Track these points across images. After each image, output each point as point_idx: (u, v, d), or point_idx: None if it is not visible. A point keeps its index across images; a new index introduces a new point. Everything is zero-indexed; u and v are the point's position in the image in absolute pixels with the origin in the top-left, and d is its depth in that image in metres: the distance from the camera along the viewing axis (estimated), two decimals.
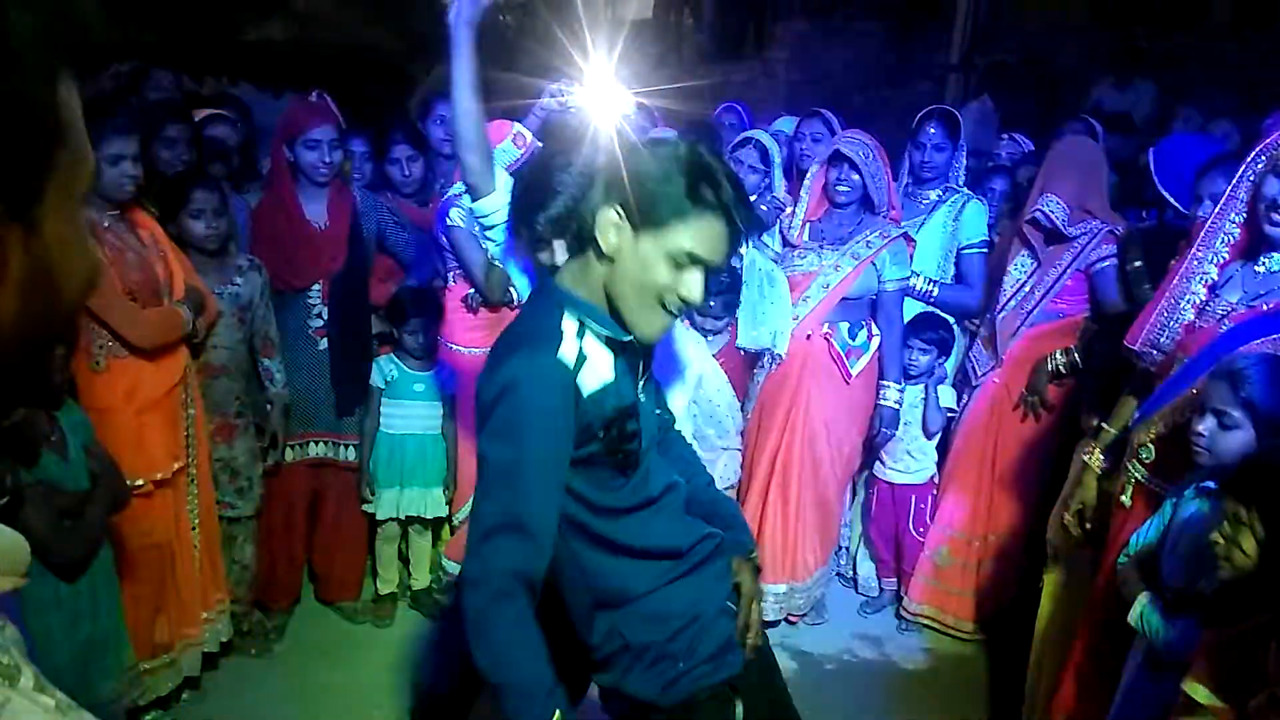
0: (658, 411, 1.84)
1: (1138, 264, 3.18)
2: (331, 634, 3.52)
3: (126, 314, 2.62)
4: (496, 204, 2.41)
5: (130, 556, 2.67)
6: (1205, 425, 2.05)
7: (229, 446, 3.10)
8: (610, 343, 1.63)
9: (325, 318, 3.31)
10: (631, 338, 1.63)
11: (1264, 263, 2.24)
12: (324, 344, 3.32)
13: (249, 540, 3.24)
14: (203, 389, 2.97)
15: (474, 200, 2.53)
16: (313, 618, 3.59)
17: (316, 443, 3.39)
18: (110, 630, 2.45)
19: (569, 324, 1.60)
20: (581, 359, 1.58)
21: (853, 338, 3.42)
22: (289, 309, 3.27)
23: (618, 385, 1.63)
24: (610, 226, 1.58)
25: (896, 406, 3.50)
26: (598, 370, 1.60)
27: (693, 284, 1.59)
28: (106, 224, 2.65)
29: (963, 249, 3.61)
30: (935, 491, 3.69)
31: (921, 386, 3.58)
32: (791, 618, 3.62)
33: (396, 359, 3.49)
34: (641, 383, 1.73)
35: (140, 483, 2.67)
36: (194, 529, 2.93)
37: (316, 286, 3.29)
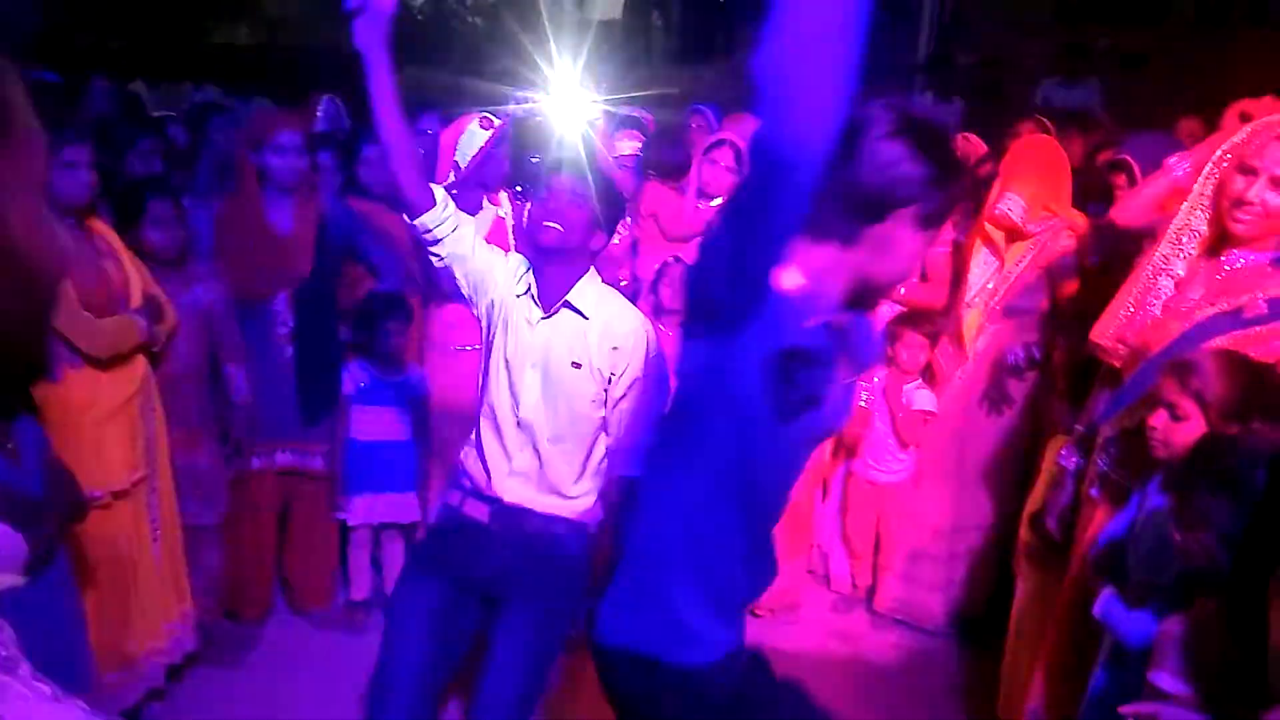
0: None
1: (1096, 260, 3.22)
2: (303, 643, 3.49)
3: (81, 324, 2.59)
4: (438, 218, 2.31)
5: (91, 568, 2.64)
6: (1157, 418, 2.08)
7: (192, 455, 3.07)
8: None
9: (290, 325, 3.28)
10: None
11: (1229, 261, 2.26)
12: (289, 352, 3.29)
13: (215, 549, 3.21)
14: (164, 398, 2.94)
15: (412, 218, 2.31)
16: (284, 627, 3.56)
17: (284, 451, 3.36)
18: (70, 643, 2.41)
19: None
20: None
21: None
22: (254, 317, 3.23)
23: None
24: None
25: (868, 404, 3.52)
26: None
27: None
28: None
29: None
30: (911, 490, 3.71)
31: (905, 387, 3.59)
32: (759, 610, 3.63)
33: (367, 365, 3.47)
34: None
35: (99, 494, 2.63)
36: (155, 540, 2.89)
37: (282, 294, 3.26)
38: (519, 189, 3.86)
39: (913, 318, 3.58)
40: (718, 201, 3.79)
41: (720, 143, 3.92)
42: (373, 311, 3.42)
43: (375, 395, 3.48)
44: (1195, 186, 2.36)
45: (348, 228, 3.42)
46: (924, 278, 3.66)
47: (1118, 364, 2.45)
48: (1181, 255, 2.37)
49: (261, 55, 13.71)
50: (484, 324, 2.42)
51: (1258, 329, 2.12)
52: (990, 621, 3.25)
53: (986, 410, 3.49)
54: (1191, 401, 2.03)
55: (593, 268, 2.36)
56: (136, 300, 2.76)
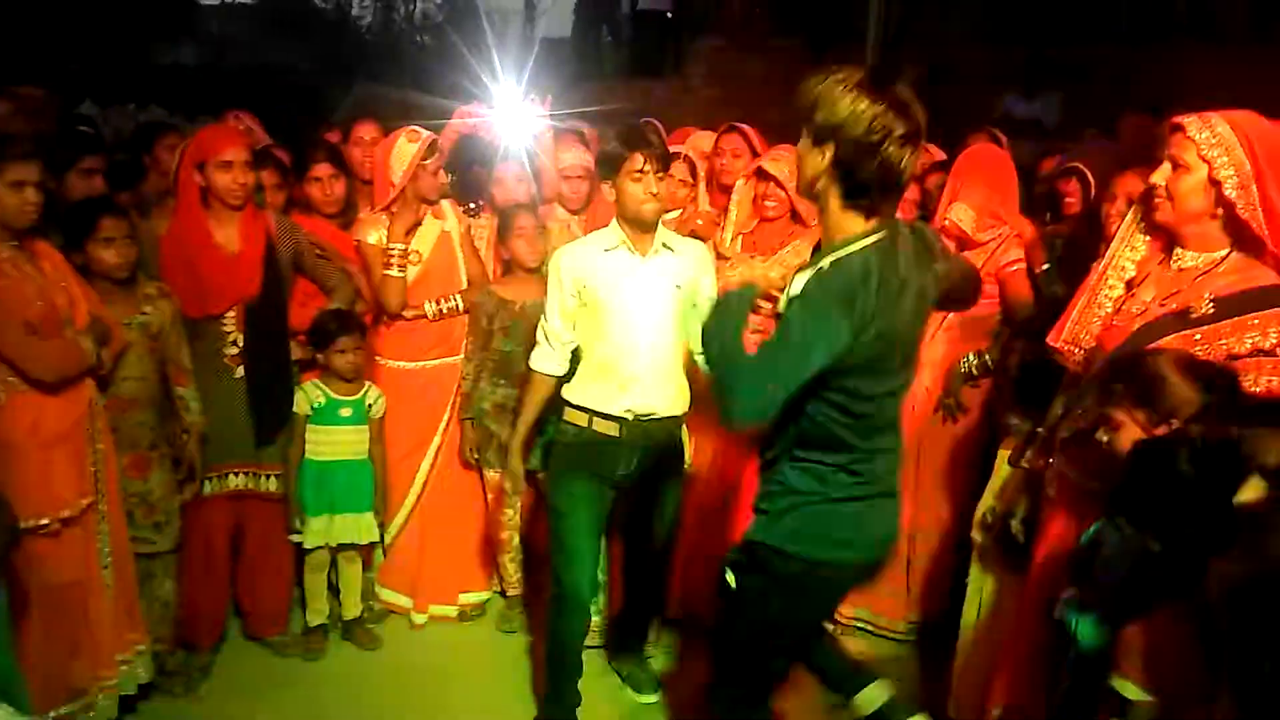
0: None
1: (1046, 266, 3.28)
2: (260, 670, 3.43)
3: (25, 347, 2.53)
4: (560, 363, 3.05)
5: (38, 597, 2.57)
6: (1101, 433, 2.12)
7: (144, 480, 3.00)
8: None
9: (240, 344, 3.23)
10: None
11: (1177, 260, 2.30)
12: (240, 372, 3.24)
13: (168, 576, 3.14)
14: (114, 422, 2.88)
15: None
16: (240, 654, 3.49)
17: (236, 474, 3.30)
18: (4, 675, 2.34)
19: None
20: None
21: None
22: (202, 336, 3.18)
23: None
24: None
25: None
26: None
27: None
28: (5, 254, 2.56)
29: None
30: None
31: None
32: None
33: (322, 384, 3.43)
34: None
35: (45, 521, 2.57)
36: (106, 568, 2.83)
37: (230, 313, 3.21)
38: (472, 205, 3.85)
39: None
40: (675, 214, 3.80)
41: (675, 155, 3.93)
42: (326, 330, 3.39)
43: (330, 415, 3.43)
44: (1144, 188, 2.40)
45: (295, 244, 3.38)
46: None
47: (1074, 367, 2.48)
48: (1132, 257, 2.41)
49: (208, 75, 13.55)
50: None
51: (1205, 328, 2.16)
52: (948, 626, 3.26)
53: (941, 418, 3.52)
54: (1119, 410, 2.06)
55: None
56: (82, 322, 2.71)
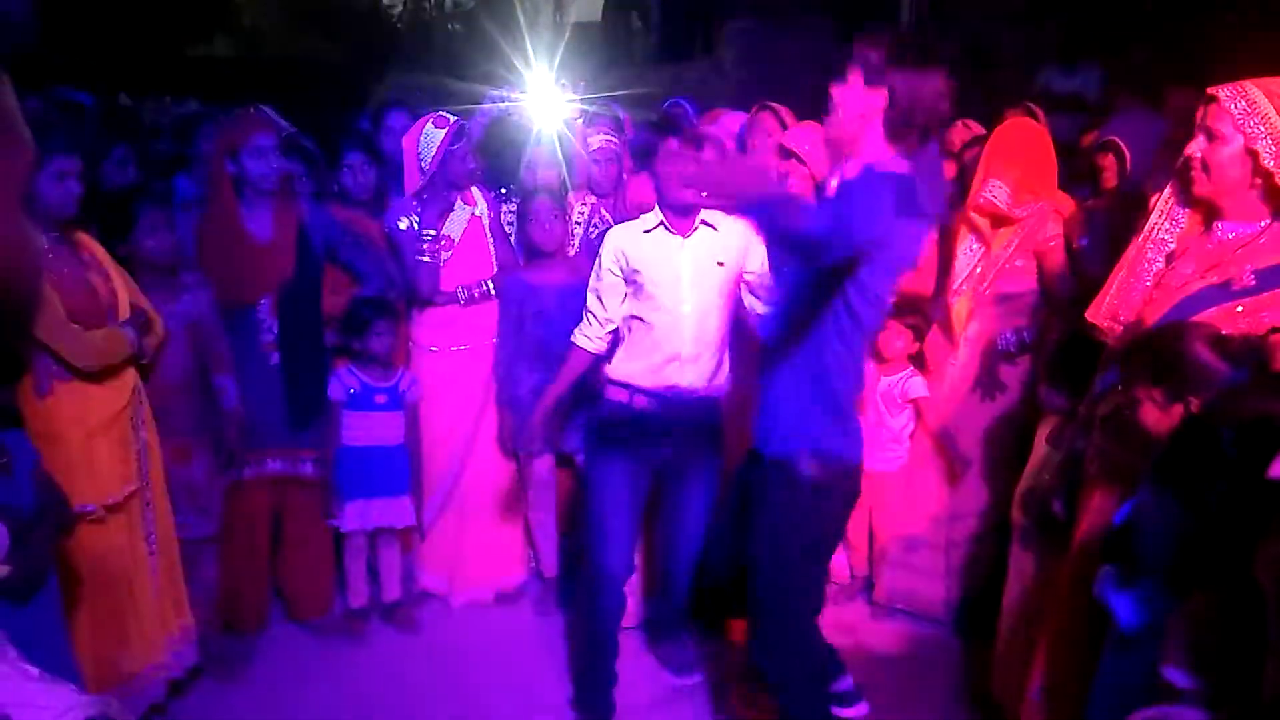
0: None
1: (1084, 242, 3.23)
2: (303, 654, 3.48)
3: (69, 337, 2.57)
4: (603, 338, 3.08)
5: (86, 584, 2.62)
6: (1124, 409, 2.11)
7: (186, 466, 3.05)
8: None
9: (275, 332, 3.27)
10: None
11: (1217, 233, 2.26)
12: (275, 358, 3.28)
13: (213, 561, 3.19)
14: (156, 410, 2.92)
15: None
16: (283, 638, 3.55)
17: (274, 459, 3.35)
18: (53, 662, 2.38)
19: None
20: None
21: None
22: (238, 324, 3.23)
23: None
24: None
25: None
26: None
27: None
28: (47, 245, 2.60)
29: None
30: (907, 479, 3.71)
31: (897, 376, 3.60)
32: None
33: (357, 370, 3.46)
34: None
35: (92, 508, 2.61)
36: (152, 553, 2.88)
37: (264, 300, 3.25)
38: (503, 190, 3.86)
39: (899, 307, 3.58)
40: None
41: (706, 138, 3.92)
42: (361, 316, 3.41)
43: (366, 400, 3.46)
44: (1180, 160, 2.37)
45: (327, 232, 3.41)
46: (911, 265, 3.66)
47: (1113, 343, 2.45)
48: (1172, 229, 2.37)
49: (241, 67, 13.67)
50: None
51: (1246, 300, 2.12)
52: (989, 607, 3.24)
53: (979, 397, 3.49)
54: (1139, 386, 2.04)
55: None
56: (124, 313, 2.75)
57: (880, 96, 2.28)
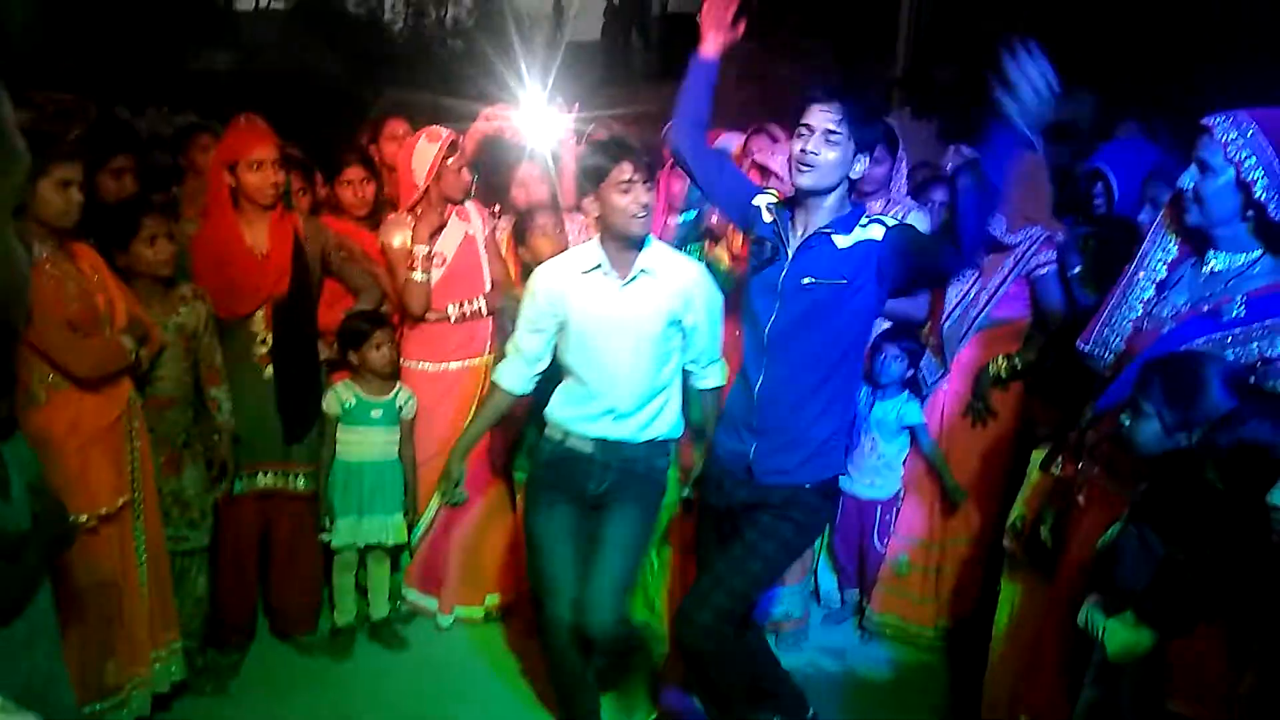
0: None
1: (1078, 270, 3.25)
2: (288, 670, 3.46)
3: (66, 344, 2.57)
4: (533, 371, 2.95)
5: (75, 595, 2.60)
6: (1124, 415, 2.14)
7: (178, 478, 3.04)
8: None
9: (269, 344, 3.26)
10: None
11: (1209, 263, 2.27)
12: (269, 371, 3.27)
13: (202, 574, 3.18)
14: (150, 421, 2.92)
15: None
16: (268, 653, 3.52)
17: (265, 473, 3.33)
18: (48, 673, 2.37)
19: None
20: None
21: None
22: (233, 336, 3.22)
23: None
24: None
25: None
26: None
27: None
28: (46, 254, 2.60)
29: None
30: (899, 505, 3.71)
31: (890, 402, 3.60)
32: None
33: (353, 384, 3.46)
34: None
35: (84, 518, 2.60)
36: (141, 565, 2.86)
37: (259, 313, 3.25)
38: (498, 207, 3.88)
39: (894, 331, 3.59)
40: (688, 215, 3.78)
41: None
42: (358, 328, 3.41)
43: (362, 415, 3.45)
44: (1174, 190, 2.38)
45: (323, 246, 3.41)
46: (906, 291, 3.67)
47: (1105, 371, 2.46)
48: (1163, 258, 2.39)
49: (240, 80, 13.68)
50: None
51: (1237, 330, 2.13)
52: (978, 633, 3.24)
53: (971, 422, 3.50)
54: (1149, 401, 2.05)
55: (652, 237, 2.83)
56: (122, 322, 2.75)
57: None
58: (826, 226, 2.51)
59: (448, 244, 3.58)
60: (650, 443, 2.85)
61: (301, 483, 3.40)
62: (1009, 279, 3.38)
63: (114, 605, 2.78)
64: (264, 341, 3.27)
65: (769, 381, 2.57)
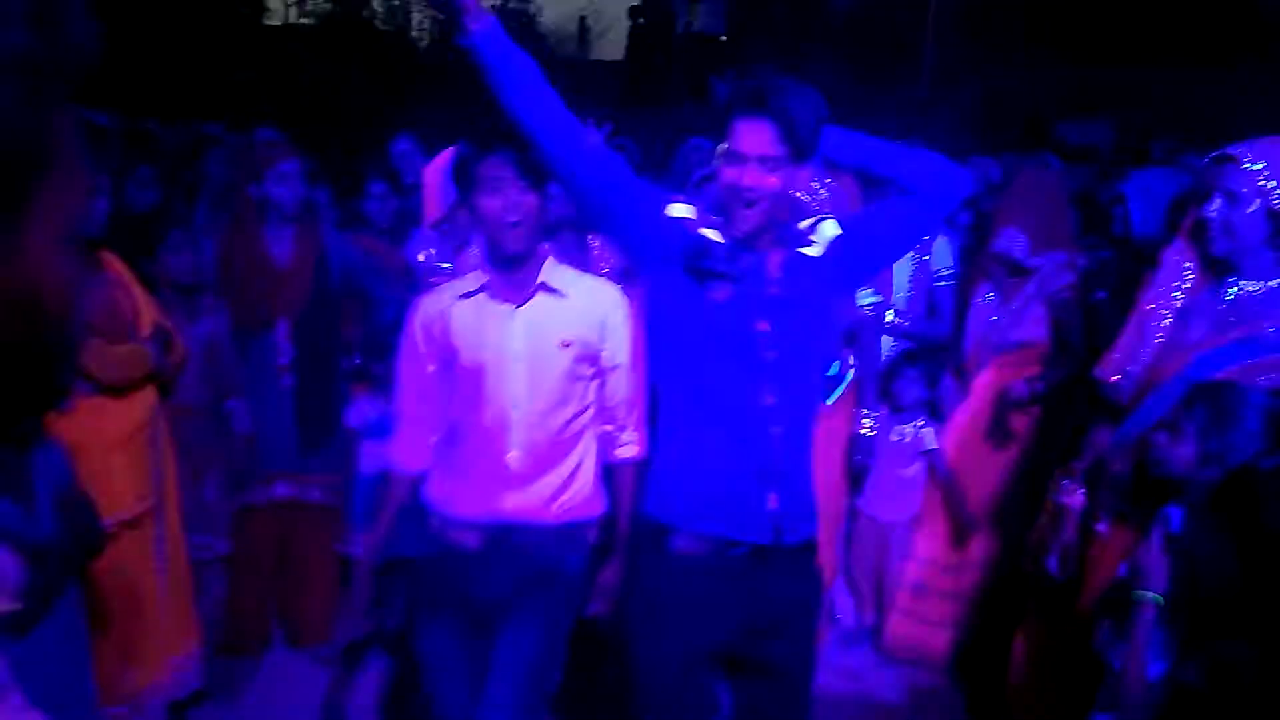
0: None
1: (1099, 296, 3.24)
2: (302, 680, 3.44)
3: (92, 350, 2.60)
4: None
5: (95, 600, 2.62)
6: (1160, 435, 2.12)
7: (198, 487, 3.07)
8: None
9: (290, 356, 3.29)
10: None
11: (1232, 290, 2.27)
12: (289, 382, 3.30)
13: (219, 582, 3.19)
14: (173, 430, 2.95)
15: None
16: (284, 663, 3.53)
17: (282, 484, 3.35)
18: (73, 678, 2.39)
19: None
20: None
21: None
22: (253, 347, 3.25)
23: None
24: None
25: (874, 433, 3.51)
26: None
27: None
28: None
29: (933, 281, 3.66)
30: (917, 527, 3.69)
31: (910, 425, 3.59)
32: None
33: (377, 398, 3.47)
34: None
35: (107, 523, 2.62)
36: (162, 572, 2.88)
37: (282, 324, 3.28)
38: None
39: (915, 353, 3.59)
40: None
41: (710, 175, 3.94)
42: (384, 343, 3.43)
43: (385, 429, 3.46)
44: (1192, 218, 2.38)
45: (347, 260, 3.44)
46: (929, 313, 3.67)
47: (1123, 399, 2.45)
48: (1181, 286, 2.38)
49: (268, 94, 13.85)
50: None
51: (1264, 358, 2.13)
52: (996, 657, 3.22)
53: (990, 446, 3.48)
54: (1191, 424, 2.04)
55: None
56: (147, 330, 2.78)
57: None
58: (793, 243, 2.11)
59: (470, 261, 3.59)
60: (559, 529, 2.26)
61: (318, 494, 3.41)
62: (1029, 303, 3.37)
63: (134, 610, 2.80)
64: (284, 353, 3.29)
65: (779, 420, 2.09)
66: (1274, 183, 2.11)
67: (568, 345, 2.20)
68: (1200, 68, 7.08)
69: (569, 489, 2.26)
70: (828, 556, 3.68)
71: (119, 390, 2.69)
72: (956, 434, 3.55)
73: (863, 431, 3.49)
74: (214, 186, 4.10)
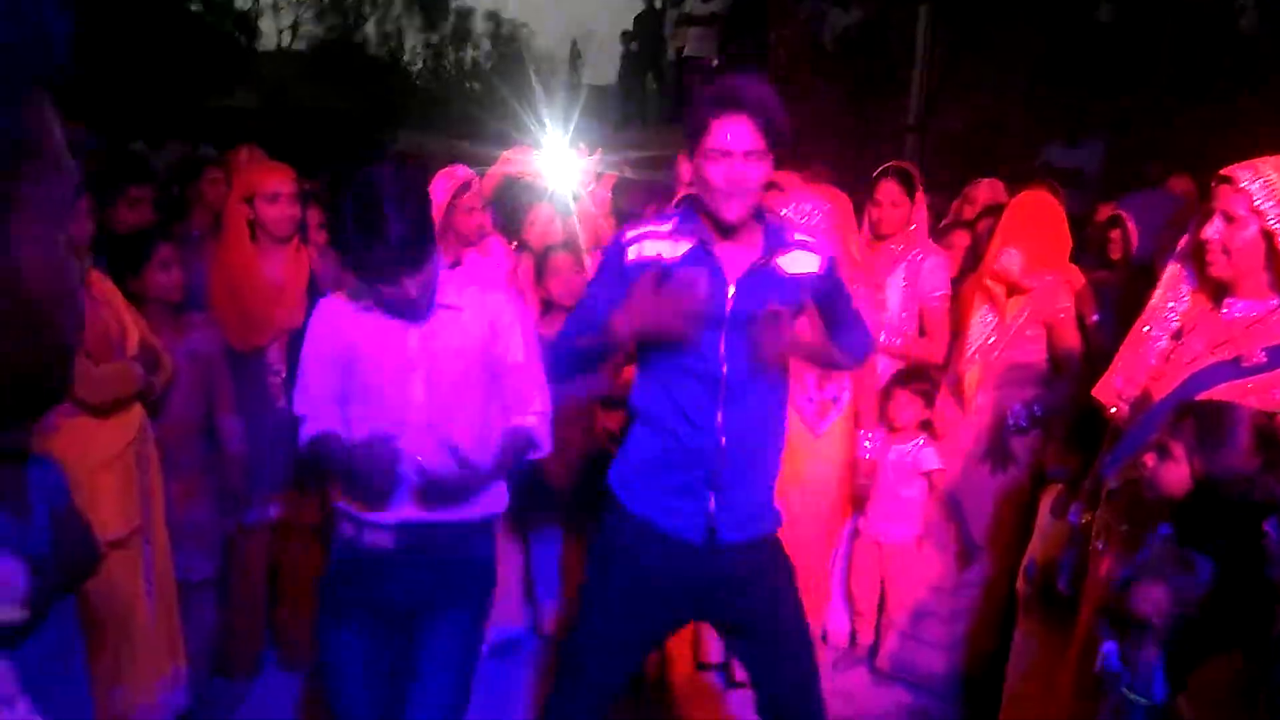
0: None
1: (1095, 318, 3.25)
2: (295, 702, 3.41)
3: (79, 368, 2.58)
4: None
5: (82, 619, 2.58)
6: (1149, 457, 2.10)
7: (189, 508, 3.03)
8: None
9: (283, 375, 3.27)
10: None
11: (1226, 311, 2.27)
12: (282, 402, 3.28)
13: (209, 604, 3.16)
14: (162, 450, 2.92)
15: None
16: (275, 685, 3.48)
17: (276, 503, 3.33)
18: (71, 699, 2.35)
19: None
20: None
21: (820, 389, 3.42)
22: (247, 367, 3.23)
23: None
24: None
25: (871, 454, 3.51)
26: None
27: None
28: None
29: (926, 302, 3.66)
30: (917, 547, 3.68)
31: (909, 445, 3.58)
32: None
33: None
34: None
35: None
36: (149, 594, 2.85)
37: (274, 344, 3.26)
38: (517, 244, 3.91)
39: (910, 374, 3.59)
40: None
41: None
42: None
43: None
44: (1184, 237, 2.39)
45: (337, 280, 3.43)
46: (923, 332, 3.68)
47: (1120, 418, 2.45)
48: (1177, 306, 2.39)
49: (260, 118, 13.91)
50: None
51: (1257, 377, 2.12)
52: (992, 679, 3.20)
53: (988, 467, 3.47)
54: (1179, 444, 2.03)
55: None
56: (133, 348, 2.76)
57: None
58: (763, 250, 2.20)
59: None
60: (470, 524, 2.29)
61: (312, 514, 3.38)
62: (1026, 324, 3.37)
63: (121, 633, 2.76)
64: (278, 373, 3.27)
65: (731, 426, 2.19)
66: (1270, 204, 2.12)
67: (468, 358, 2.23)
68: (1189, 97, 7.15)
69: (478, 490, 2.27)
70: (825, 577, 3.69)
71: (106, 410, 2.67)
72: (954, 455, 3.54)
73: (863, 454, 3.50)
74: (206, 207, 4.10)
